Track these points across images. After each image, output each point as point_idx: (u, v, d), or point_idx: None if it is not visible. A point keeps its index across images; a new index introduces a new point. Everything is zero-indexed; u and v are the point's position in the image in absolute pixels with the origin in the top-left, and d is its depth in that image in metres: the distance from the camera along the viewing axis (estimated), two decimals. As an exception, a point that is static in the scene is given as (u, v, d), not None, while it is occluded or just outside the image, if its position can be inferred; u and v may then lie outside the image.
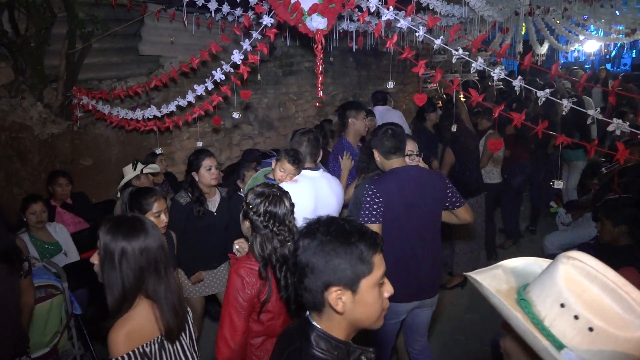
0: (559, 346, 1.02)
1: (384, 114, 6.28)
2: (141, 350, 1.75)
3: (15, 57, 4.26)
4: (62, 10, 4.38)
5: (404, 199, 2.88)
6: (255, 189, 2.24)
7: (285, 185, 3.04)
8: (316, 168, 3.24)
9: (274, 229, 2.13)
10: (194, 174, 3.57)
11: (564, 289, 1.04)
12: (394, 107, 6.64)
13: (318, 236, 1.34)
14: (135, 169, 3.85)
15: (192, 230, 3.58)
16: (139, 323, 1.76)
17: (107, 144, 5.18)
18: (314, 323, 1.39)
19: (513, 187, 6.01)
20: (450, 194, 3.01)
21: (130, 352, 1.72)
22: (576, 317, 1.02)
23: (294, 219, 2.21)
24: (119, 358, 1.71)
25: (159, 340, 1.82)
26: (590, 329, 1.00)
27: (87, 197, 4.70)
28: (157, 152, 4.56)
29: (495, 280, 1.22)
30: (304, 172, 3.15)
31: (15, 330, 2.53)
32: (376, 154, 3.01)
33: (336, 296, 1.31)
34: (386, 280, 1.39)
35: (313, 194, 3.06)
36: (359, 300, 1.33)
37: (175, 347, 1.88)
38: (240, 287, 2.12)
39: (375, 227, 2.82)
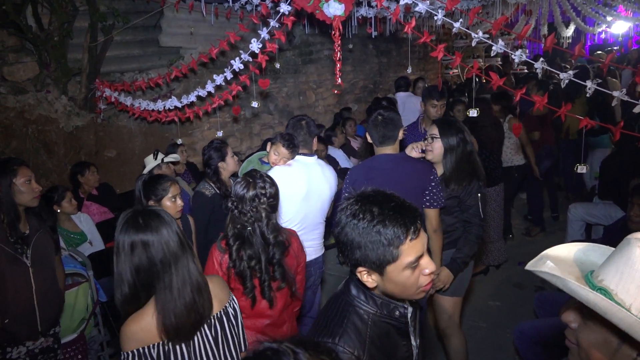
0: None
1: (405, 100, 6.23)
2: (143, 351, 1.69)
3: (39, 51, 4.36)
4: (83, 4, 4.46)
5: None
6: (244, 175, 2.38)
7: (278, 169, 3.08)
8: (311, 154, 3.24)
9: (237, 210, 2.29)
10: (221, 164, 3.48)
11: None
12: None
13: (354, 215, 1.33)
14: (156, 159, 3.90)
15: (215, 221, 3.54)
16: (148, 322, 1.69)
17: (130, 135, 5.27)
18: (357, 275, 1.40)
19: (540, 171, 5.89)
20: (429, 191, 2.80)
21: (135, 350, 1.68)
22: None
23: (264, 205, 2.29)
24: (126, 353, 1.68)
25: (164, 344, 1.72)
26: None
27: (112, 187, 4.79)
28: (178, 143, 4.62)
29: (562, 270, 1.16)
30: (298, 157, 3.16)
31: (60, 298, 2.85)
32: (369, 139, 2.96)
33: (364, 275, 1.36)
34: (422, 261, 1.34)
35: (305, 179, 3.09)
36: (388, 280, 1.34)
37: (190, 349, 1.76)
38: (210, 262, 2.38)
39: None
